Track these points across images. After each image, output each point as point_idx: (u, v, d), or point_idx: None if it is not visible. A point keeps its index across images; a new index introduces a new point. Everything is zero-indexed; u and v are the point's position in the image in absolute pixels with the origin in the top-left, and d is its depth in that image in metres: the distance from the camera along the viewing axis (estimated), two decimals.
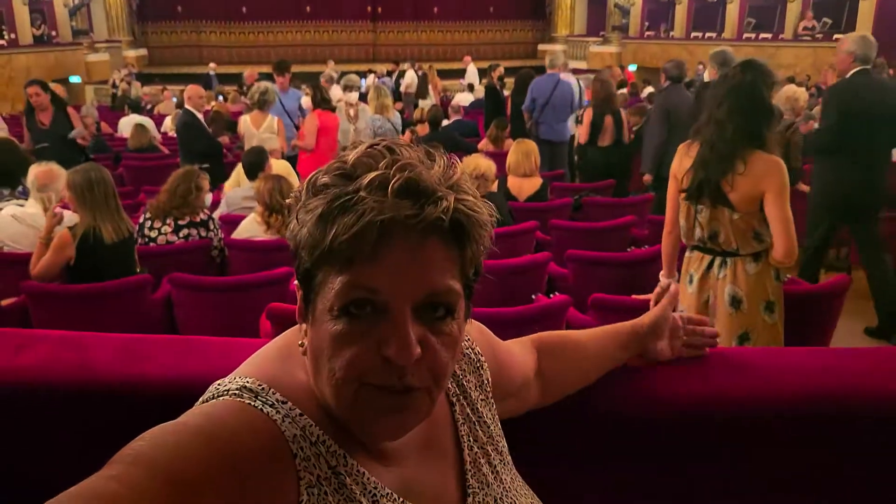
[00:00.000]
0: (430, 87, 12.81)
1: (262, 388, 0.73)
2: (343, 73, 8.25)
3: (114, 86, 15.45)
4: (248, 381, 0.74)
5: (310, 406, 0.74)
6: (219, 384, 0.75)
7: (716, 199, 2.62)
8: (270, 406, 0.71)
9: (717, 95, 2.64)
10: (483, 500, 0.83)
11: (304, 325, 0.75)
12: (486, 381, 0.91)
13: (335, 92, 7.81)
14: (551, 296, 3.48)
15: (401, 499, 0.75)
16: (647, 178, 5.95)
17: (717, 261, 2.71)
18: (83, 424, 1.12)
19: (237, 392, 0.72)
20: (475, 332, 0.95)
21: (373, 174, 0.67)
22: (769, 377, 1.17)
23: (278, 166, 5.38)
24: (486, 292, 3.60)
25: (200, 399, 0.75)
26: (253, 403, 0.71)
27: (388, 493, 0.74)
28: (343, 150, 0.74)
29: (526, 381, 1.03)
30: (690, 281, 2.81)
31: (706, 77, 5.64)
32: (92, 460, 0.65)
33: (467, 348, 0.91)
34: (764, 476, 1.16)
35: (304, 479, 0.69)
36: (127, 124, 9.08)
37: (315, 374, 0.73)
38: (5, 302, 3.30)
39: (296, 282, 0.76)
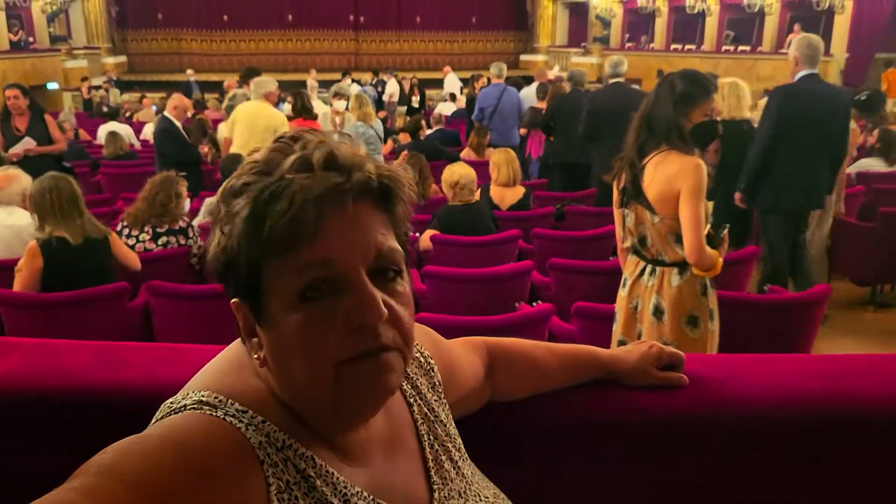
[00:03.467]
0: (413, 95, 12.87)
1: (220, 401, 0.71)
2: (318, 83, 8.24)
3: (88, 91, 15.27)
4: (203, 395, 0.72)
5: (271, 413, 0.72)
6: (171, 402, 0.73)
7: (637, 198, 2.63)
8: (232, 416, 0.70)
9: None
10: (448, 494, 0.85)
11: (254, 340, 0.74)
12: (437, 383, 0.93)
13: (316, 104, 7.77)
14: (534, 304, 3.47)
15: (371, 496, 0.75)
16: None
17: (648, 268, 2.72)
18: (58, 432, 1.09)
19: (195, 406, 0.70)
20: (422, 337, 0.96)
21: (292, 157, 0.68)
22: (742, 383, 1.17)
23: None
24: (469, 300, 3.60)
25: (154, 419, 0.73)
26: (214, 414, 0.69)
27: (358, 492, 0.74)
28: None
29: (477, 383, 1.04)
30: (624, 284, 2.82)
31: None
32: (67, 469, 0.63)
33: (416, 352, 0.92)
34: (747, 480, 1.15)
35: (273, 485, 0.67)
36: (105, 132, 8.99)
37: (282, 377, 0.71)
38: None
39: (234, 301, 0.74)
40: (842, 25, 15.90)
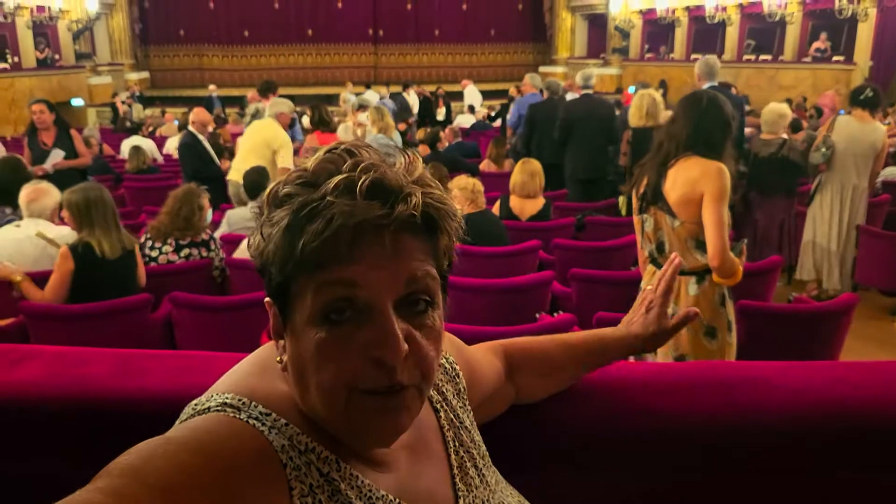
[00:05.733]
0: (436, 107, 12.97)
1: (244, 403, 0.71)
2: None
3: (113, 108, 15.57)
4: (227, 398, 0.72)
5: (294, 416, 0.72)
6: (195, 404, 0.73)
7: (656, 203, 2.61)
8: (255, 419, 0.70)
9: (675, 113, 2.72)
10: (472, 501, 0.84)
11: (280, 342, 0.74)
12: (462, 389, 0.92)
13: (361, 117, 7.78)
14: (555, 314, 3.45)
15: (397, 500, 0.74)
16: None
17: None
18: (81, 440, 1.09)
19: (219, 408, 0.71)
20: (447, 343, 0.95)
21: (337, 178, 0.66)
22: (770, 389, 1.15)
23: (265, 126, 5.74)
24: (490, 310, 3.59)
25: (178, 420, 0.73)
26: (238, 417, 0.69)
27: (383, 496, 0.73)
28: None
29: (499, 387, 1.04)
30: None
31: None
32: (88, 475, 0.63)
33: (441, 359, 0.90)
34: (761, 490, 1.13)
35: (295, 489, 0.67)
36: (129, 146, 9.10)
37: (300, 388, 0.71)
38: (3, 322, 3.27)
39: (267, 299, 0.74)
40: (865, 33, 15.71)
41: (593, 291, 3.67)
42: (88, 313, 3.16)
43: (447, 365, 0.92)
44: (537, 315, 3.50)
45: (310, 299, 0.67)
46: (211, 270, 3.97)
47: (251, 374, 0.77)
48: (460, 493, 0.83)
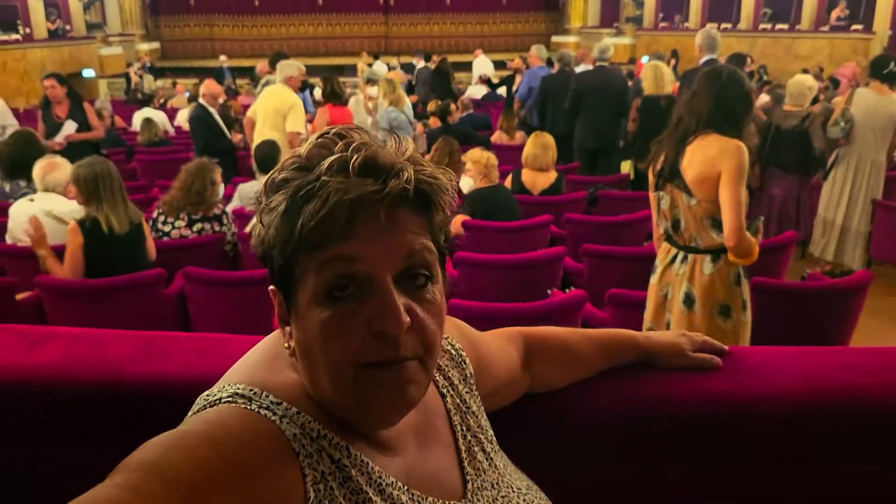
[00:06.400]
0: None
1: (255, 393, 0.73)
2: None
3: (127, 79, 15.54)
4: (238, 388, 0.73)
5: (305, 403, 0.74)
6: (207, 395, 0.75)
7: (673, 180, 2.59)
8: (266, 409, 0.71)
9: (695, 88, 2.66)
10: (481, 485, 0.85)
11: (287, 328, 0.75)
12: (468, 375, 0.93)
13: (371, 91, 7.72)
14: (567, 291, 3.45)
15: (405, 486, 0.76)
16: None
17: (680, 255, 2.67)
18: (98, 423, 1.10)
19: (230, 399, 0.72)
20: (453, 329, 0.96)
21: (330, 158, 0.68)
22: (779, 376, 1.14)
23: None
24: (501, 286, 3.58)
25: (191, 412, 0.75)
26: (249, 407, 0.71)
27: (392, 482, 0.75)
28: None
29: (513, 375, 1.04)
30: (654, 271, 2.79)
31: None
32: (108, 459, 0.64)
33: (447, 344, 0.92)
34: (771, 477, 1.13)
35: (309, 476, 0.69)
36: (140, 118, 9.09)
37: (309, 370, 0.72)
38: (20, 296, 3.30)
39: (271, 287, 0.76)
40: (885, 2, 15.42)
41: (605, 267, 3.66)
42: (103, 288, 3.19)
43: (452, 351, 0.93)
44: (549, 291, 3.50)
45: (312, 279, 0.69)
46: (223, 245, 3.98)
47: (260, 363, 0.79)
48: (468, 477, 0.85)
